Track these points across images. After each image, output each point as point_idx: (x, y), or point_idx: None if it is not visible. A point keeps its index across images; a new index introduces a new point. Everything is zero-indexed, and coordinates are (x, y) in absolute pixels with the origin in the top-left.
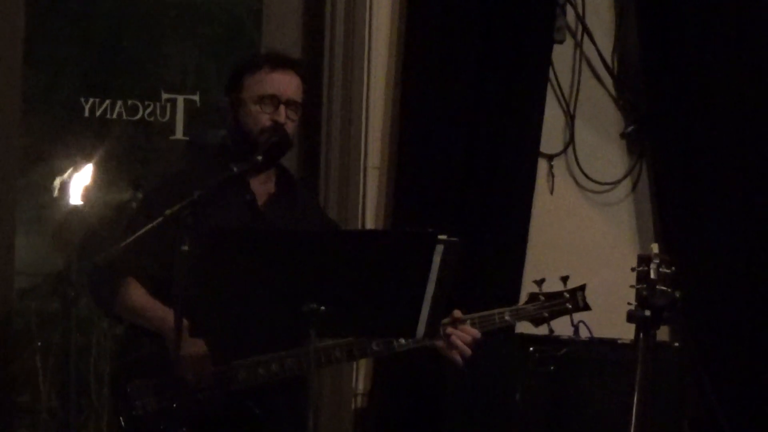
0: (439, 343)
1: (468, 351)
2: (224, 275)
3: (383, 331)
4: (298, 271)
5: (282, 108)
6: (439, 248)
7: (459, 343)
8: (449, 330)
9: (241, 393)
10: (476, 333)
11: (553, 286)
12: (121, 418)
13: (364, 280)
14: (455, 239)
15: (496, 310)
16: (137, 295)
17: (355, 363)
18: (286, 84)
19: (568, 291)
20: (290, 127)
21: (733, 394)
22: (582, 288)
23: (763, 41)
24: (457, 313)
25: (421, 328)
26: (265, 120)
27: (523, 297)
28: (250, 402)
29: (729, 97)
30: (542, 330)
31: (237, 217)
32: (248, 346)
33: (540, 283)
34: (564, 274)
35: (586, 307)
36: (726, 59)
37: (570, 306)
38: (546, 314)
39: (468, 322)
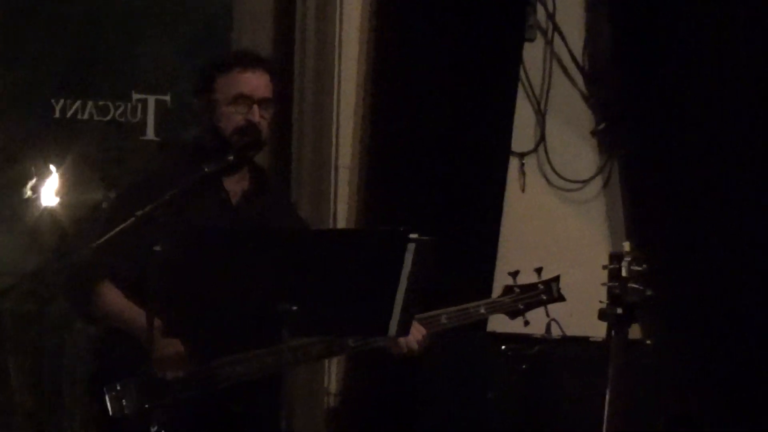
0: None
1: (414, 345)
2: (197, 275)
3: (356, 330)
4: (271, 271)
5: (255, 107)
6: (411, 247)
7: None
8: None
9: (221, 392)
10: (423, 330)
11: (527, 278)
12: (101, 420)
13: (337, 279)
14: (427, 238)
15: (471, 304)
16: (112, 297)
17: (327, 363)
18: (258, 83)
19: (543, 282)
20: (264, 126)
21: (706, 390)
22: (556, 279)
23: (734, 39)
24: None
25: (393, 327)
26: (239, 120)
27: (497, 293)
28: (230, 400)
29: (700, 95)
30: (515, 328)
31: (211, 216)
32: (224, 346)
33: (514, 275)
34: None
35: (561, 298)
36: (697, 56)
37: (545, 297)
38: (521, 306)
39: (443, 316)
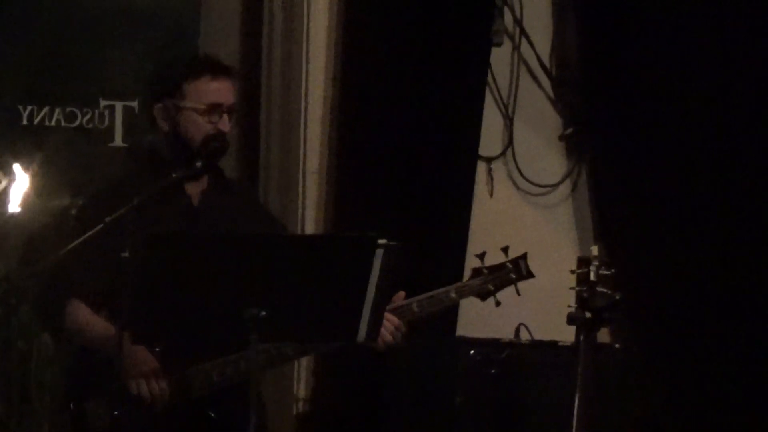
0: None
1: (389, 337)
2: (165, 280)
3: (324, 336)
4: (240, 275)
5: (225, 116)
6: (379, 252)
7: (388, 326)
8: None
9: (195, 399)
10: (396, 321)
11: (494, 260)
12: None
13: (305, 285)
14: (395, 243)
15: (441, 289)
16: (81, 313)
17: (296, 369)
18: (226, 92)
19: (511, 261)
20: (228, 131)
21: (675, 394)
22: (524, 257)
23: (701, 43)
24: (401, 295)
25: (362, 332)
26: (210, 129)
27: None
28: (206, 407)
29: (667, 99)
30: (483, 333)
31: (175, 221)
32: (194, 353)
33: (482, 256)
34: None
35: (530, 275)
36: (664, 61)
37: (514, 276)
38: (491, 287)
39: (414, 304)
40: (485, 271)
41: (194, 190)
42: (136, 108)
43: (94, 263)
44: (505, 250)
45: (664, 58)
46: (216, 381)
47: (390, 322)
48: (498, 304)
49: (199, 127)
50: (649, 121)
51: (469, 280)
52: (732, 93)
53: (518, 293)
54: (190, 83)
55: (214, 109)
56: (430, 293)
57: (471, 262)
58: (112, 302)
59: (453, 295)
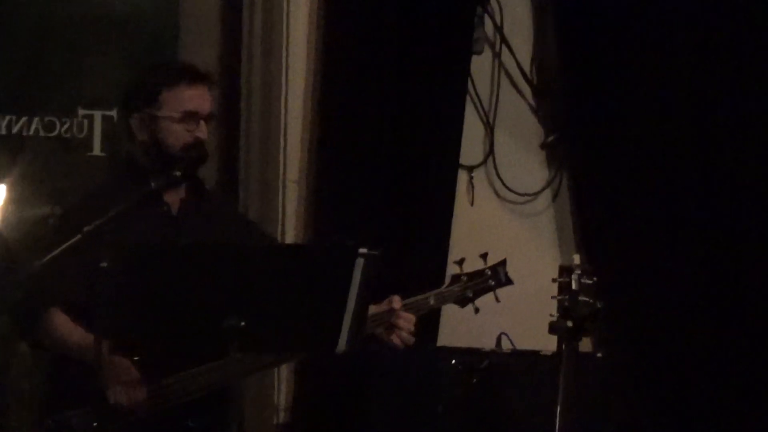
0: (379, 331)
1: (411, 339)
2: (143, 291)
3: (305, 346)
4: (219, 286)
5: (203, 124)
6: (360, 261)
7: (406, 325)
8: (395, 316)
9: (175, 408)
10: (414, 318)
11: (473, 266)
12: None
13: (285, 295)
14: (375, 252)
15: (420, 296)
16: (60, 323)
17: (276, 378)
18: (204, 99)
19: (490, 268)
20: (206, 140)
21: (657, 403)
22: (503, 263)
23: (681, 51)
24: (397, 300)
25: (342, 342)
26: (188, 137)
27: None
28: (186, 418)
29: (648, 107)
30: (464, 342)
31: (154, 229)
32: (173, 362)
33: (460, 263)
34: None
35: (509, 281)
36: (645, 69)
37: (493, 282)
38: (470, 294)
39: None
40: (464, 278)
41: (173, 198)
42: (115, 117)
43: (73, 273)
44: (483, 256)
45: (646, 65)
46: (193, 390)
47: (409, 321)
48: (477, 311)
49: (176, 135)
50: (630, 129)
51: (447, 286)
52: (714, 99)
53: (497, 300)
54: (166, 92)
55: (191, 116)
56: (409, 300)
57: (452, 271)
58: (91, 312)
59: (431, 302)
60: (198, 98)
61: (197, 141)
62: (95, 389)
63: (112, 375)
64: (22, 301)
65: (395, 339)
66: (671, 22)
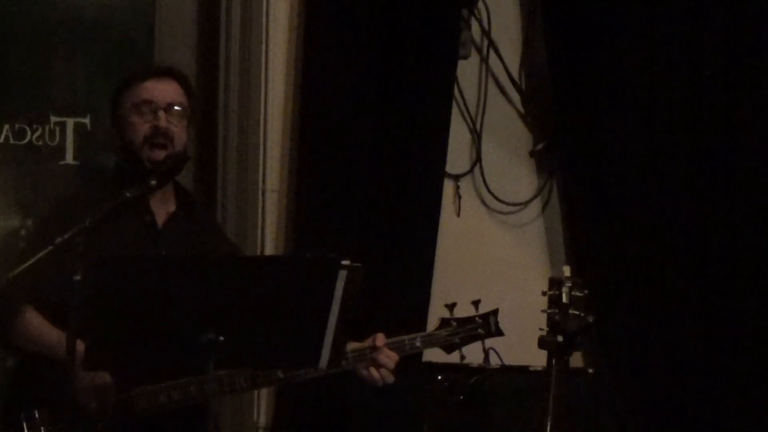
0: (360, 366)
1: (392, 377)
2: (120, 304)
3: (286, 362)
4: (197, 299)
5: (161, 113)
6: (342, 274)
7: (388, 362)
8: (377, 352)
9: (143, 422)
10: (396, 357)
11: (464, 310)
12: None
13: (265, 308)
14: (358, 264)
15: (406, 336)
16: (34, 322)
17: (256, 396)
18: (162, 89)
19: (481, 316)
20: (176, 134)
21: (648, 420)
22: (495, 312)
23: (671, 58)
24: (381, 338)
25: (324, 358)
26: (146, 128)
27: (431, 322)
28: (154, 431)
29: (638, 114)
30: (451, 358)
31: (135, 241)
32: (149, 375)
33: (451, 307)
34: (473, 298)
35: (499, 333)
36: (635, 75)
37: (482, 332)
38: (458, 340)
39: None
40: (454, 323)
41: (161, 209)
42: (88, 124)
43: (45, 284)
44: (476, 303)
45: (636, 71)
46: (163, 402)
47: (392, 359)
48: (463, 358)
49: (134, 127)
50: (622, 136)
51: (435, 330)
52: (705, 107)
53: (484, 350)
54: (125, 91)
55: (145, 105)
56: (395, 339)
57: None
58: (63, 321)
59: (418, 344)
60: (153, 88)
61: (156, 130)
62: (61, 390)
63: (85, 377)
64: None
65: (374, 374)
66: (663, 27)
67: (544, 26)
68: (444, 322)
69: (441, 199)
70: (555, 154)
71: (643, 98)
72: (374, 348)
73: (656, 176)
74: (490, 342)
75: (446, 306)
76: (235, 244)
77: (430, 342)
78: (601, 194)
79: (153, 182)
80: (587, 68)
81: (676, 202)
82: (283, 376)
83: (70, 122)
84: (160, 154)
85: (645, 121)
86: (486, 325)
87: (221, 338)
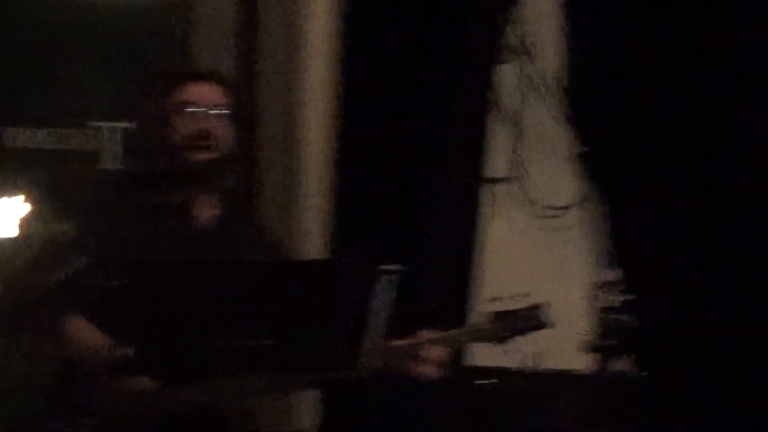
0: (405, 364)
1: (437, 371)
2: (159, 308)
3: (323, 367)
4: (232, 304)
5: (206, 115)
6: (381, 278)
7: (431, 356)
8: (426, 347)
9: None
10: (440, 351)
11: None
12: None
13: (302, 313)
14: (397, 267)
15: (451, 331)
16: (75, 326)
17: (300, 402)
18: (204, 91)
19: (527, 308)
20: (220, 137)
21: (698, 425)
22: (543, 304)
23: (715, 59)
24: (423, 333)
25: (363, 361)
26: (190, 130)
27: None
28: None
29: (688, 116)
30: (491, 361)
31: (176, 246)
32: (188, 380)
33: (496, 301)
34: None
35: (549, 324)
36: (682, 78)
37: (530, 324)
38: (505, 333)
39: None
40: (500, 316)
41: (206, 213)
42: (125, 129)
43: (86, 289)
44: (523, 296)
45: (683, 75)
46: (197, 406)
47: (435, 353)
48: (506, 353)
49: (176, 129)
50: (667, 139)
51: (481, 324)
52: (745, 108)
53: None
54: (163, 94)
55: (186, 106)
56: (440, 334)
57: (485, 307)
58: (101, 327)
59: (463, 338)
60: (195, 91)
61: (200, 133)
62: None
63: (124, 382)
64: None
65: (421, 369)
66: (705, 33)
67: (586, 28)
68: (489, 316)
69: (479, 203)
70: (598, 157)
71: (690, 100)
72: (418, 344)
73: (702, 177)
74: (532, 345)
75: (490, 300)
76: (278, 244)
77: (476, 336)
78: (644, 196)
79: (198, 185)
80: (631, 70)
81: (724, 204)
82: (321, 379)
83: (106, 127)
84: (204, 156)
85: (694, 123)
86: (534, 317)
87: (260, 343)
